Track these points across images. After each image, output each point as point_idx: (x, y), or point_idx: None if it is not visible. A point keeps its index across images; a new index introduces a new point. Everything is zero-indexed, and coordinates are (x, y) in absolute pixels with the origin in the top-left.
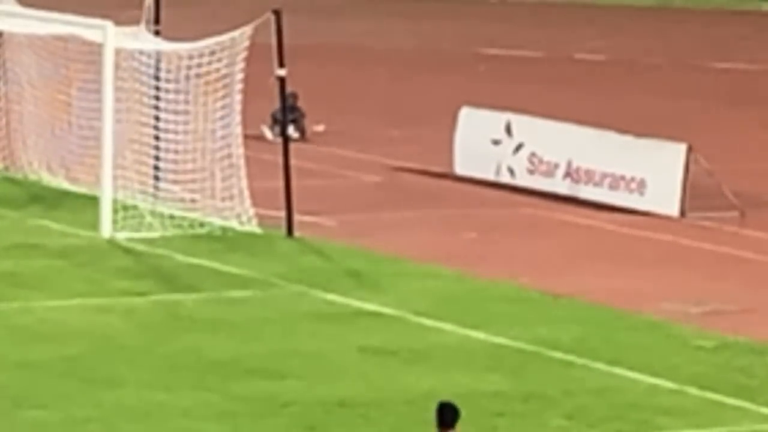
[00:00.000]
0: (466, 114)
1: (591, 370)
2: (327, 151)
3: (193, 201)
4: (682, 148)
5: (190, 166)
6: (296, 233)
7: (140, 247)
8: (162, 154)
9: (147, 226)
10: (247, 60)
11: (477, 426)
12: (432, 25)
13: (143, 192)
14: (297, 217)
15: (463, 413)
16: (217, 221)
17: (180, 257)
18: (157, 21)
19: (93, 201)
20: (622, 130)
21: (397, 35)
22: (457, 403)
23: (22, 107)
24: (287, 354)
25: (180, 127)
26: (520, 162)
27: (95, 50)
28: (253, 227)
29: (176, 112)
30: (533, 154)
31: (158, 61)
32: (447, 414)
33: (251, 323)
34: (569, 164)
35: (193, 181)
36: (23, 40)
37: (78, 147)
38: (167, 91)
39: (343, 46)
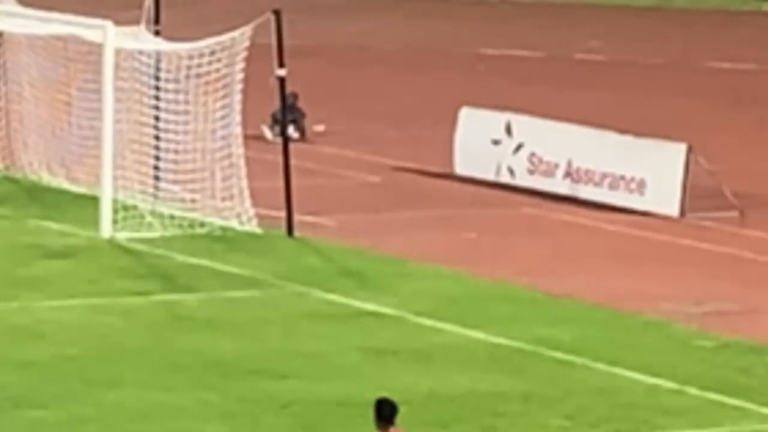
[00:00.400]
0: (466, 114)
1: (591, 370)
2: (327, 151)
3: (193, 201)
4: (682, 148)
5: (190, 166)
6: (296, 233)
7: (140, 247)
8: (162, 154)
9: (147, 226)
10: (247, 60)
11: (477, 426)
12: (432, 24)
13: (143, 192)
14: (297, 217)
15: (463, 413)
16: (217, 221)
17: (180, 257)
18: (157, 21)
19: (93, 201)
20: (622, 130)
21: (397, 35)
22: (457, 403)
23: (22, 107)
24: (287, 354)
25: (180, 127)
26: (520, 162)
27: (95, 50)
28: (253, 227)
29: (176, 112)
30: (533, 154)
31: (158, 61)
32: (384, 409)
33: (251, 323)
34: (569, 164)
35: (193, 181)
36: (23, 40)
37: (78, 147)
38: (167, 91)
39: (343, 46)
